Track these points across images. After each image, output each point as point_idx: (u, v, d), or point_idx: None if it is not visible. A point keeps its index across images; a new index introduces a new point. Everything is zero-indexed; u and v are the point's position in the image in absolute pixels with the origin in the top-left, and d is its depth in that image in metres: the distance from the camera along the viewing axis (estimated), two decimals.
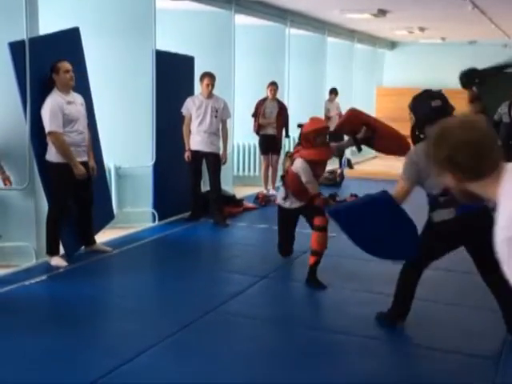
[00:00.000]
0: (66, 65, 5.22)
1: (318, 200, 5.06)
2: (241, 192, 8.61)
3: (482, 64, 14.38)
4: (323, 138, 5.06)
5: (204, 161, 7.11)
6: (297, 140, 5.53)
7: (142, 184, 6.93)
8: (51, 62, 5.26)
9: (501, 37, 13.32)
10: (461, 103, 14.87)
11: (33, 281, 4.95)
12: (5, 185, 5.17)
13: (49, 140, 5.19)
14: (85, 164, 5.42)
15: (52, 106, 5.13)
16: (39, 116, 5.18)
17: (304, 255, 5.88)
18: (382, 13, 9.67)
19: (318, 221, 4.94)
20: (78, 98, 5.40)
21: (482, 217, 3.44)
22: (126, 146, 6.74)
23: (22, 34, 5.16)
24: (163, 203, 7.02)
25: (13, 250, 5.38)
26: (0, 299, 4.60)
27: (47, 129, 5.12)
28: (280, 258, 5.73)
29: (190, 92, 7.29)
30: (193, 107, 6.97)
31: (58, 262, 5.32)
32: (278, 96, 8.95)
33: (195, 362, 3.61)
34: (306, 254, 5.91)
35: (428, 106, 3.85)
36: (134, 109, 6.77)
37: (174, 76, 7.09)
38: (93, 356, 3.69)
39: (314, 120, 5.21)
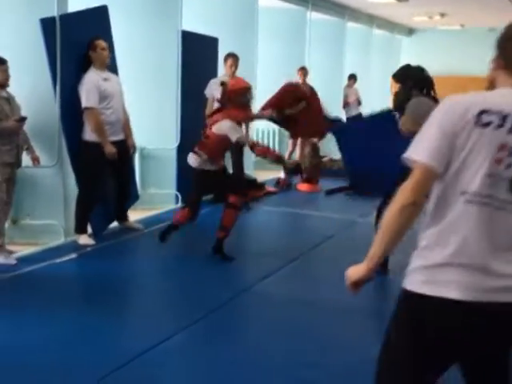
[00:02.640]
0: (103, 43, 5.34)
1: (257, 149, 5.10)
2: (261, 176, 8.57)
3: None
4: (247, 98, 5.06)
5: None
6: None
7: (165, 166, 6.89)
8: (81, 38, 5.24)
9: None
10: (478, 89, 14.79)
11: (63, 259, 4.95)
12: (33, 164, 5.14)
13: (84, 117, 5.20)
14: (120, 143, 5.43)
15: (89, 83, 5.18)
16: (70, 94, 5.18)
17: (330, 239, 5.87)
18: None
19: (232, 199, 5.02)
20: (113, 77, 5.46)
21: None
22: (151, 127, 6.69)
23: (52, 11, 5.13)
24: (186, 185, 6.96)
25: (41, 229, 5.37)
26: (30, 277, 4.59)
27: (83, 105, 5.16)
28: (307, 241, 5.72)
29: (214, 74, 7.23)
30: (217, 89, 6.90)
31: (85, 240, 5.32)
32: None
33: (228, 342, 3.59)
34: (333, 239, 5.93)
35: (421, 72, 4.65)
36: (160, 89, 6.72)
37: (199, 57, 7.02)
38: (125, 336, 3.68)
39: (238, 80, 5.27)
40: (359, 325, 3.94)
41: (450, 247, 1.76)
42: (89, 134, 5.25)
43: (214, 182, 5.18)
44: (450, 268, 1.76)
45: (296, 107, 5.22)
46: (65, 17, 5.21)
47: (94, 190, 5.35)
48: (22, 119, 4.82)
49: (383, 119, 4.51)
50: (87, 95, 5.14)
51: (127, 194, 5.75)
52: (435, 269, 1.78)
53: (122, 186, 5.67)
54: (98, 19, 5.64)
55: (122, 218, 5.84)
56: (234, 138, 4.88)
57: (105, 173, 5.41)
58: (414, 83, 4.59)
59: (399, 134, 4.37)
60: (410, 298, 1.84)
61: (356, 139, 4.42)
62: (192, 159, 5.13)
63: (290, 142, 9.06)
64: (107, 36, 5.69)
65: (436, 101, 4.62)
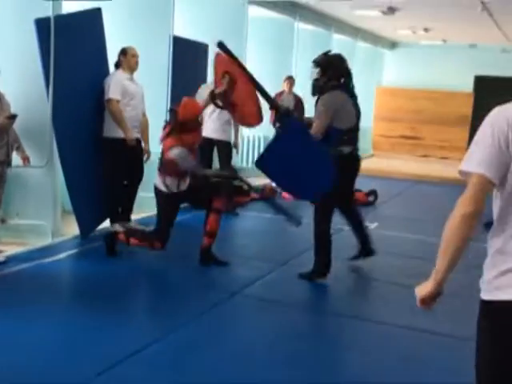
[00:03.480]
0: (134, 50, 5.66)
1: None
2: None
3: (479, 68, 14.61)
4: (199, 121, 5.08)
5: (215, 149, 7.12)
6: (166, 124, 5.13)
7: (153, 171, 6.88)
8: (74, 39, 5.28)
9: (501, 41, 13.47)
10: (457, 104, 14.97)
11: (51, 259, 4.94)
12: (23, 164, 5.12)
13: (107, 109, 5.46)
14: (135, 141, 5.67)
15: (114, 79, 5.52)
16: (61, 95, 5.18)
17: None
18: (391, 11, 9.73)
19: (217, 203, 5.00)
20: (138, 83, 5.73)
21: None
22: None
23: (46, 11, 5.12)
24: None
25: (29, 228, 5.35)
26: (19, 276, 4.57)
27: (106, 96, 5.43)
28: (294, 246, 5.77)
29: (204, 79, 7.28)
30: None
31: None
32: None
33: (225, 340, 3.63)
34: None
35: (343, 63, 4.82)
36: (150, 94, 6.71)
37: (189, 62, 7.07)
38: (113, 336, 3.65)
39: (190, 104, 5.00)
40: (344, 326, 4.01)
41: None
42: (108, 130, 5.51)
43: (185, 200, 5.13)
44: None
45: (222, 85, 5.02)
46: (60, 18, 5.22)
47: (121, 181, 5.62)
48: (13, 116, 4.81)
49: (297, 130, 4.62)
50: (111, 88, 5.44)
51: (135, 196, 5.88)
52: (501, 276, 1.82)
53: (132, 186, 5.81)
54: (92, 21, 5.66)
55: (127, 218, 5.89)
56: (184, 164, 4.80)
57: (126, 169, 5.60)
58: (333, 73, 4.70)
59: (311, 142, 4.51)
60: (485, 306, 1.88)
61: (277, 162, 4.50)
62: (158, 181, 5.00)
63: None
64: (100, 38, 5.72)
65: (352, 94, 4.83)
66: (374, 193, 8.47)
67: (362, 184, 8.93)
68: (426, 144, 14.92)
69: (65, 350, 3.42)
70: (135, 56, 5.67)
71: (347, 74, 4.84)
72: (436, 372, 3.44)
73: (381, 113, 15.05)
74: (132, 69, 5.66)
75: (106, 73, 5.73)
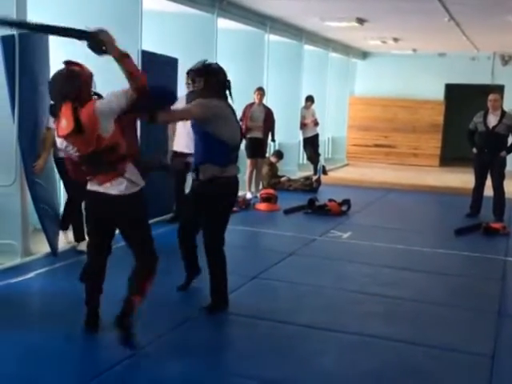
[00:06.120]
0: None
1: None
2: None
3: (449, 76, 14.84)
4: None
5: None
6: None
7: None
8: (32, 60, 5.23)
9: (469, 49, 13.70)
10: (429, 112, 15.17)
11: (19, 279, 4.87)
12: None
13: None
14: None
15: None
16: (28, 114, 5.14)
17: (290, 257, 5.95)
18: (360, 22, 9.84)
19: None
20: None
21: None
22: None
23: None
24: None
25: None
26: None
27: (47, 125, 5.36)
28: (268, 259, 5.79)
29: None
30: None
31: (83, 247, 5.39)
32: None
33: (190, 358, 3.62)
34: (293, 256, 6.01)
35: (225, 73, 4.34)
36: None
37: (158, 77, 7.03)
38: (81, 356, 3.66)
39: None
40: (325, 339, 4.01)
41: None
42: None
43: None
44: None
45: None
46: (24, 36, 5.17)
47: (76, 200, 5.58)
48: None
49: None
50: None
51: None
52: None
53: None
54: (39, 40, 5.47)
55: (81, 238, 5.76)
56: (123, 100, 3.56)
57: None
58: (216, 84, 4.25)
59: None
60: None
61: None
62: (125, 185, 3.72)
63: (249, 161, 9.15)
64: (47, 58, 5.54)
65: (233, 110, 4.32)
66: (347, 202, 8.51)
67: (335, 194, 9.01)
68: (399, 152, 15.06)
69: (32, 371, 3.37)
70: None
71: (228, 87, 4.32)
72: None
73: (354, 122, 15.18)
74: None
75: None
